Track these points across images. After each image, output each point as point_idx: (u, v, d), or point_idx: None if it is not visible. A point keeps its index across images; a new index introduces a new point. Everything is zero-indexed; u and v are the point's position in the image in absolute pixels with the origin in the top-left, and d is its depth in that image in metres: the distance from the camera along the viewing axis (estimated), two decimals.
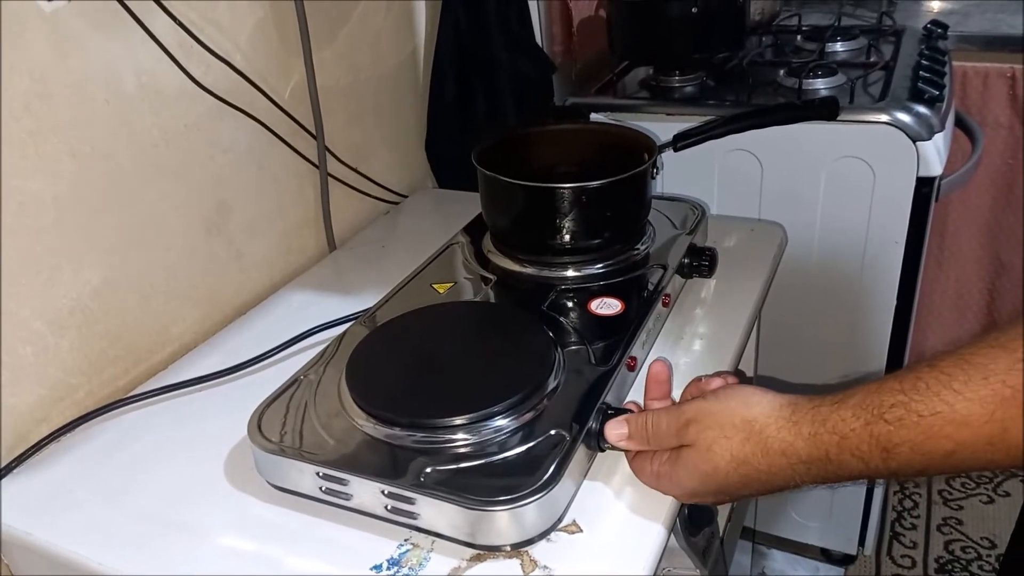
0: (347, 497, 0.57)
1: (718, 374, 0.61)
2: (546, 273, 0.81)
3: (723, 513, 0.91)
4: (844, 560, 1.48)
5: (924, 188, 1.09)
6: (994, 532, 1.55)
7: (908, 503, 1.63)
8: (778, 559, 1.50)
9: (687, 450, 0.54)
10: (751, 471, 0.51)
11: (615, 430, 0.59)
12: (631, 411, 0.61)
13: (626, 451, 0.60)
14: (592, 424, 0.60)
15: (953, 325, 1.71)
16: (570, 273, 0.80)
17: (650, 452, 0.58)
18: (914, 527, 1.58)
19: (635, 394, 0.69)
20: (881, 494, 1.40)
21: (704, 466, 0.52)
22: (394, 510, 0.56)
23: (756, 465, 0.50)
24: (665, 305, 0.78)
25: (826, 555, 1.48)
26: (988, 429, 0.42)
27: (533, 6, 1.18)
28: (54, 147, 0.69)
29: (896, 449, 0.45)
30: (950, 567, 1.49)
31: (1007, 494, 1.63)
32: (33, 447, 0.68)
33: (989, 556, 1.50)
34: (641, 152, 0.83)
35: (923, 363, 0.45)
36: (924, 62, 1.24)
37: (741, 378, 0.63)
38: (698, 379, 0.61)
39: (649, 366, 0.63)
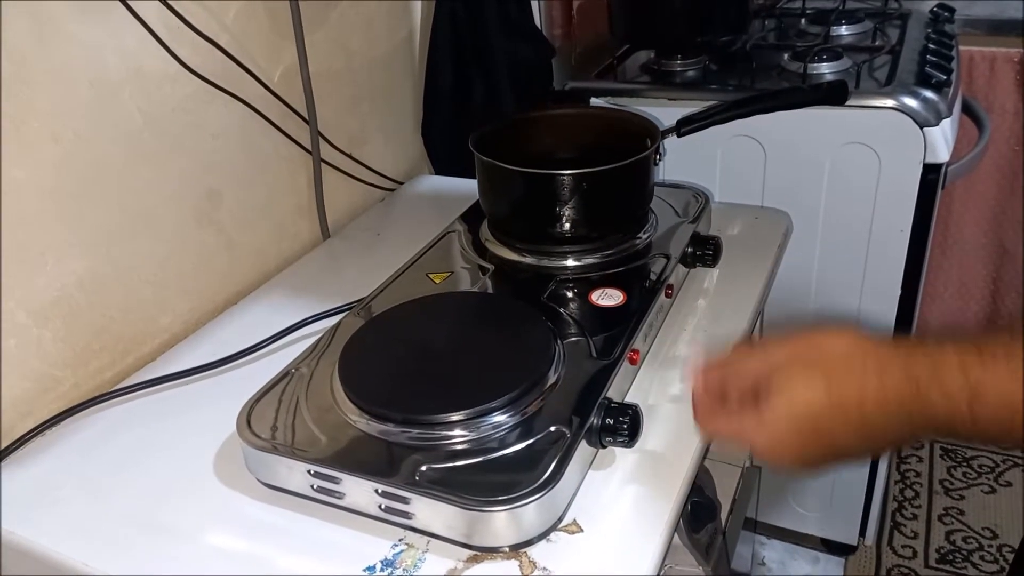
0: (339, 496, 0.56)
1: None
2: (545, 262, 0.79)
3: (725, 507, 0.89)
4: (845, 550, 1.47)
5: (930, 175, 1.07)
6: (996, 522, 1.54)
7: (909, 493, 1.62)
8: (778, 549, 1.49)
9: (774, 395, 0.49)
10: (845, 402, 0.47)
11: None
12: (635, 405, 0.59)
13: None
14: (593, 420, 0.58)
15: (956, 312, 1.69)
16: (570, 263, 0.78)
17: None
18: (915, 517, 1.57)
19: (637, 389, 0.67)
20: (882, 484, 1.38)
21: (797, 406, 0.48)
22: (388, 509, 0.54)
23: (849, 393, 0.47)
24: (668, 296, 0.76)
25: (827, 545, 1.47)
26: None
27: None
28: (36, 132, 0.66)
29: (984, 397, 0.43)
30: (951, 557, 1.48)
31: (1009, 484, 1.62)
32: (17, 441, 0.66)
33: (991, 546, 1.49)
34: (643, 137, 0.81)
35: None
36: (931, 46, 1.22)
37: None
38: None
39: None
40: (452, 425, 0.57)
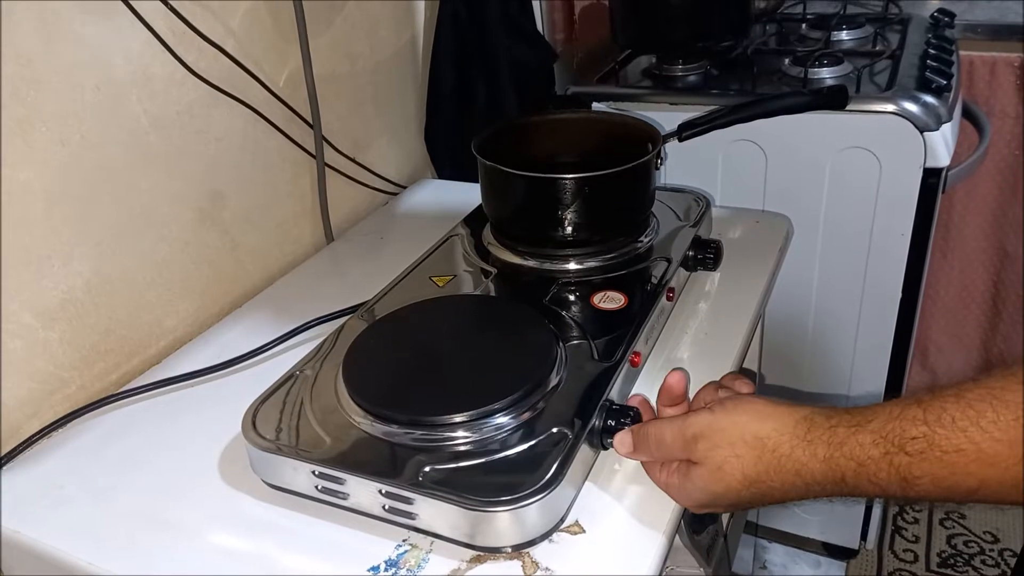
0: (344, 496, 0.56)
1: (733, 376, 0.59)
2: (548, 266, 0.79)
3: None
4: (846, 554, 1.47)
5: (931, 179, 1.07)
6: (997, 526, 1.54)
7: None
8: (780, 553, 1.49)
9: (696, 467, 0.52)
10: (764, 489, 0.49)
11: (621, 442, 0.57)
12: (635, 408, 0.59)
13: None
14: (595, 421, 0.58)
15: (957, 316, 1.69)
16: (572, 266, 0.79)
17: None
18: (916, 521, 1.57)
19: (638, 391, 0.68)
20: None
21: (715, 486, 0.51)
22: (392, 510, 0.54)
23: (769, 483, 0.49)
24: (669, 299, 0.76)
25: (828, 549, 1.47)
26: (1016, 471, 0.40)
27: None
28: (43, 135, 0.67)
29: (916, 481, 0.43)
30: (953, 561, 1.48)
31: None
32: (23, 443, 0.67)
33: (992, 550, 1.49)
34: (644, 142, 0.81)
35: (949, 392, 0.43)
36: (931, 51, 1.22)
37: (751, 379, 0.62)
38: (713, 385, 0.59)
39: (665, 376, 0.60)
40: (455, 427, 0.57)
